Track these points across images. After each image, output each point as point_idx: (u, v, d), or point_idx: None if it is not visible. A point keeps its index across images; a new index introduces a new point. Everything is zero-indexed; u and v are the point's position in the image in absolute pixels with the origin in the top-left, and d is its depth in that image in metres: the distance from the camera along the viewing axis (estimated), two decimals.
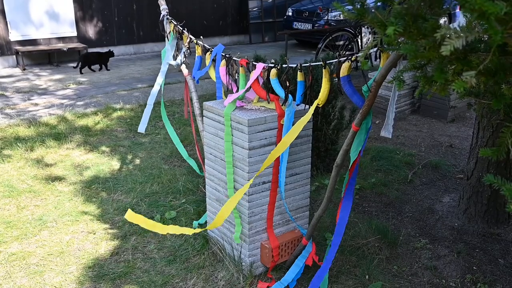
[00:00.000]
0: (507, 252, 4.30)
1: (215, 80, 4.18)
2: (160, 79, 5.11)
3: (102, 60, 11.48)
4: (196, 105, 4.77)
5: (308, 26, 14.01)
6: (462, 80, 1.54)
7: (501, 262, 4.17)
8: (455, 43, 1.44)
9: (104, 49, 12.05)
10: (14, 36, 11.61)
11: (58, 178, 5.58)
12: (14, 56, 11.68)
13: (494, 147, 2.18)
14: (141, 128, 5.21)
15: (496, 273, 4.03)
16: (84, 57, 11.32)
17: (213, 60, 4.20)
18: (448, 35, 1.49)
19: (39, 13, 11.89)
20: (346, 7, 2.13)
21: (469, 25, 1.50)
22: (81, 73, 11.12)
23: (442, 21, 13.64)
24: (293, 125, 3.47)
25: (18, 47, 11.57)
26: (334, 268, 4.00)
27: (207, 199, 4.26)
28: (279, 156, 3.62)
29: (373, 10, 1.98)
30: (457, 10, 13.20)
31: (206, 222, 4.50)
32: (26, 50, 11.37)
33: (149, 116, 5.13)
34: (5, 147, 6.39)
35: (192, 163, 5.52)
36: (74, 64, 11.36)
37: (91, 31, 12.82)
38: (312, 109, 3.31)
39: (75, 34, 12.52)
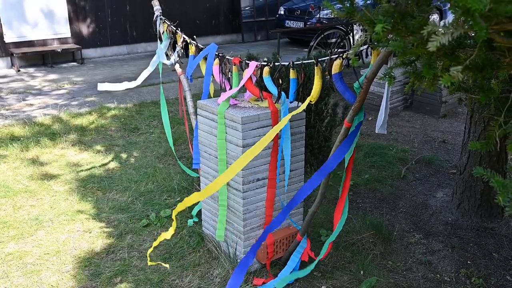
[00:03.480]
0: (501, 246, 4.34)
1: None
2: (144, 75, 5.20)
3: None
4: (190, 103, 4.80)
5: (300, 24, 14.04)
6: (449, 75, 1.57)
7: (495, 256, 4.20)
8: (441, 39, 1.47)
9: (98, 50, 12.10)
10: (8, 37, 11.59)
11: (54, 178, 5.60)
12: (9, 57, 11.66)
13: (484, 141, 2.21)
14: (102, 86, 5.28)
15: (490, 267, 4.06)
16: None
17: (205, 58, 4.24)
18: (434, 32, 1.52)
19: (33, 15, 11.87)
20: (336, 5, 2.16)
21: (456, 21, 1.53)
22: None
23: (432, 18, 13.68)
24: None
25: (12, 49, 11.55)
26: (329, 264, 4.03)
27: None
28: (277, 154, 3.66)
29: (362, 8, 2.01)
30: (448, 6, 13.28)
31: (197, 212, 4.56)
32: (21, 51, 11.35)
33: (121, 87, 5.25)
34: (1, 147, 6.39)
35: (186, 169, 5.59)
36: (66, 65, 11.36)
37: (85, 31, 12.81)
38: (304, 105, 3.34)
39: (69, 35, 12.50)
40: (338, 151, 3.30)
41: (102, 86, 5.23)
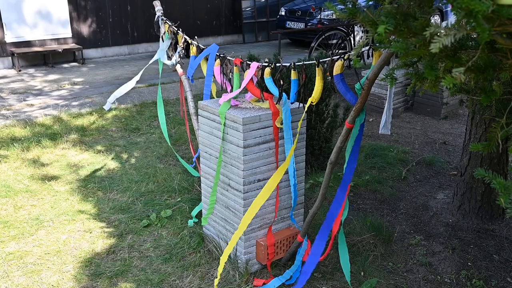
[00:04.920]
0: (502, 248, 4.34)
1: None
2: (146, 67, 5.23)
3: None
4: (191, 104, 4.80)
5: (301, 25, 14.04)
6: (451, 76, 1.57)
7: (495, 258, 4.20)
8: (443, 40, 1.47)
9: (99, 51, 12.13)
10: (9, 37, 11.59)
11: (54, 178, 5.60)
12: (10, 58, 11.67)
13: (485, 142, 2.21)
14: (110, 100, 5.31)
15: (491, 269, 4.06)
16: None
17: (206, 59, 4.25)
18: (437, 33, 1.53)
19: (34, 15, 11.88)
20: (338, 6, 2.16)
21: (458, 23, 1.53)
22: None
23: (433, 19, 13.70)
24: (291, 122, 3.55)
25: (13, 49, 11.56)
26: (329, 265, 4.03)
27: (202, 197, 4.29)
28: (278, 155, 3.67)
29: (364, 10, 2.01)
30: (450, 8, 13.30)
31: (197, 213, 4.56)
32: (21, 52, 11.36)
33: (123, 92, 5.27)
34: (2, 147, 6.40)
35: (186, 166, 5.59)
36: (67, 65, 11.36)
37: (85, 32, 12.82)
38: (306, 107, 3.35)
39: (69, 35, 12.51)
40: (350, 158, 3.32)
41: (109, 102, 5.28)
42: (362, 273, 3.95)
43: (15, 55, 11.32)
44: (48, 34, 12.19)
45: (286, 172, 3.85)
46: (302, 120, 3.77)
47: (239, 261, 3.91)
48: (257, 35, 16.24)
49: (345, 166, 3.41)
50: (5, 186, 5.33)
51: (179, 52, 4.89)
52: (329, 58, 3.22)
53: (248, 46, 15.02)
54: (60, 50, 11.80)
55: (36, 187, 5.37)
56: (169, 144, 5.78)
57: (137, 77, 5.32)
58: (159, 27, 5.11)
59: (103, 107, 5.33)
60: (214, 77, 4.17)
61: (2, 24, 11.44)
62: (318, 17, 13.67)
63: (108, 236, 4.47)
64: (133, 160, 6.17)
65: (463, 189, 4.74)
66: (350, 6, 2.01)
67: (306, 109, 3.37)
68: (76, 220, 4.73)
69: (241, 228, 3.45)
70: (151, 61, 5.25)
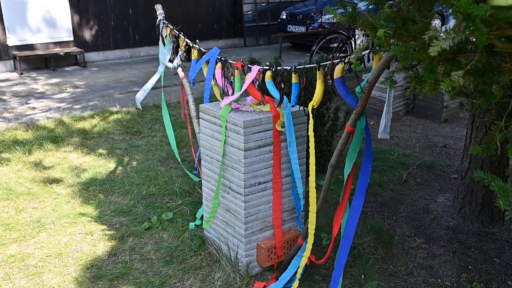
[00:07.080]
0: (502, 251, 4.34)
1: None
2: (154, 79, 5.20)
3: None
4: (192, 107, 4.81)
5: (302, 29, 14.05)
6: (450, 79, 1.58)
7: (496, 261, 4.20)
8: (442, 44, 1.48)
9: (100, 54, 12.16)
10: (11, 41, 11.63)
11: (56, 181, 5.61)
12: (12, 61, 11.70)
13: (485, 145, 2.22)
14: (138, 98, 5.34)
15: (491, 272, 4.07)
16: None
17: (207, 62, 4.26)
18: (436, 37, 1.54)
19: (36, 18, 11.92)
20: (339, 10, 2.18)
21: (457, 26, 1.54)
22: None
23: (434, 23, 13.71)
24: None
25: (15, 52, 11.59)
26: (330, 268, 4.03)
27: (203, 200, 4.29)
28: (279, 158, 3.68)
29: (364, 13, 2.02)
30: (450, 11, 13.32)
31: (202, 215, 4.56)
32: (24, 55, 11.39)
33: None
34: (4, 150, 6.42)
35: (193, 177, 5.61)
36: (69, 68, 11.38)
37: (87, 35, 12.84)
38: (310, 112, 3.36)
39: (71, 38, 12.54)
40: (364, 164, 3.33)
41: (138, 100, 5.32)
42: (362, 276, 3.96)
43: (17, 58, 11.36)
44: (50, 38, 12.23)
45: (289, 175, 3.86)
46: (303, 123, 3.79)
47: (239, 263, 3.91)
48: (258, 38, 16.26)
49: (359, 172, 3.41)
50: (6, 189, 5.35)
51: (180, 56, 4.90)
52: (329, 62, 3.24)
53: (249, 49, 15.04)
54: (62, 53, 11.83)
55: (37, 190, 5.38)
56: (177, 156, 5.77)
57: (155, 77, 5.33)
58: (160, 31, 5.12)
59: (136, 102, 5.36)
60: (216, 80, 4.18)
61: (5, 27, 11.47)
62: (319, 20, 13.68)
63: (109, 239, 4.48)
64: (134, 163, 6.18)
65: (463, 192, 4.74)
66: (350, 10, 2.03)
67: (310, 114, 3.37)
68: (77, 222, 4.74)
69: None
70: (163, 66, 5.25)
